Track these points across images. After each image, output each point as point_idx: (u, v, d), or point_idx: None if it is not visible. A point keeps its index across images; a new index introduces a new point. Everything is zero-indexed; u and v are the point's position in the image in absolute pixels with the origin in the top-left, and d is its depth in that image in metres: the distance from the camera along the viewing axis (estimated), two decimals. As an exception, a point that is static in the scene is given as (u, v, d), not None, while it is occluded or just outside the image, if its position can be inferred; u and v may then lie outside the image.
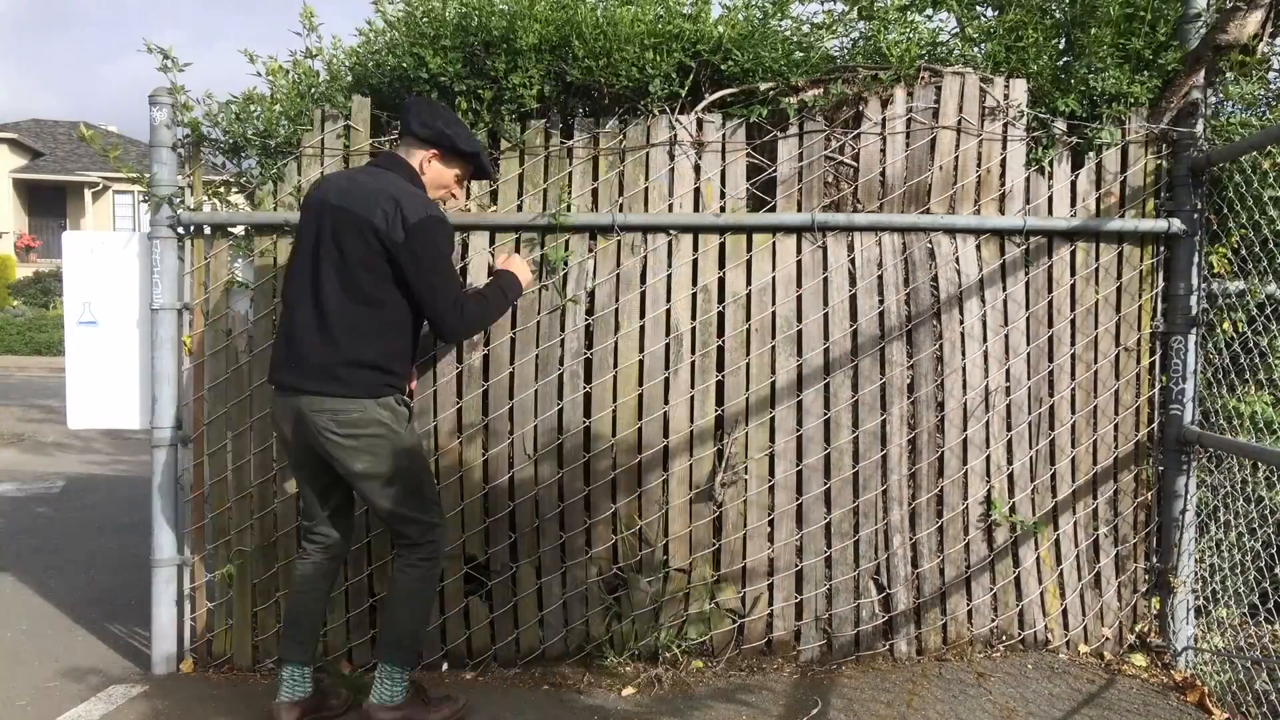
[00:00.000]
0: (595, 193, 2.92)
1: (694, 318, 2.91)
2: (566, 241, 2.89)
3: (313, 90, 3.03)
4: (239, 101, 2.93)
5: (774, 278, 2.91)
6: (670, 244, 2.90)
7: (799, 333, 2.92)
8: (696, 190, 2.92)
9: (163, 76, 2.89)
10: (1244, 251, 2.93)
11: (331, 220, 2.38)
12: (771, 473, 2.93)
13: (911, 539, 2.96)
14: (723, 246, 2.91)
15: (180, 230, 2.92)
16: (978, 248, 2.96)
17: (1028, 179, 2.97)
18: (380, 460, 2.42)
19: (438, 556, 2.54)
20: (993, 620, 3.00)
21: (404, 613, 2.50)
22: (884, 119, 2.91)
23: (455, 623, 2.95)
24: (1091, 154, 2.97)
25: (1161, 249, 2.99)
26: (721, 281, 2.91)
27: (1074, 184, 2.99)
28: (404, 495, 2.46)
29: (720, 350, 2.92)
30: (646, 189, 2.91)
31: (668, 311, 2.91)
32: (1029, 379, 2.98)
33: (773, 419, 2.92)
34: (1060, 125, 2.94)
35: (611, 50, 2.78)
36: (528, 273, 2.68)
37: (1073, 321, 2.99)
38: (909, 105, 2.92)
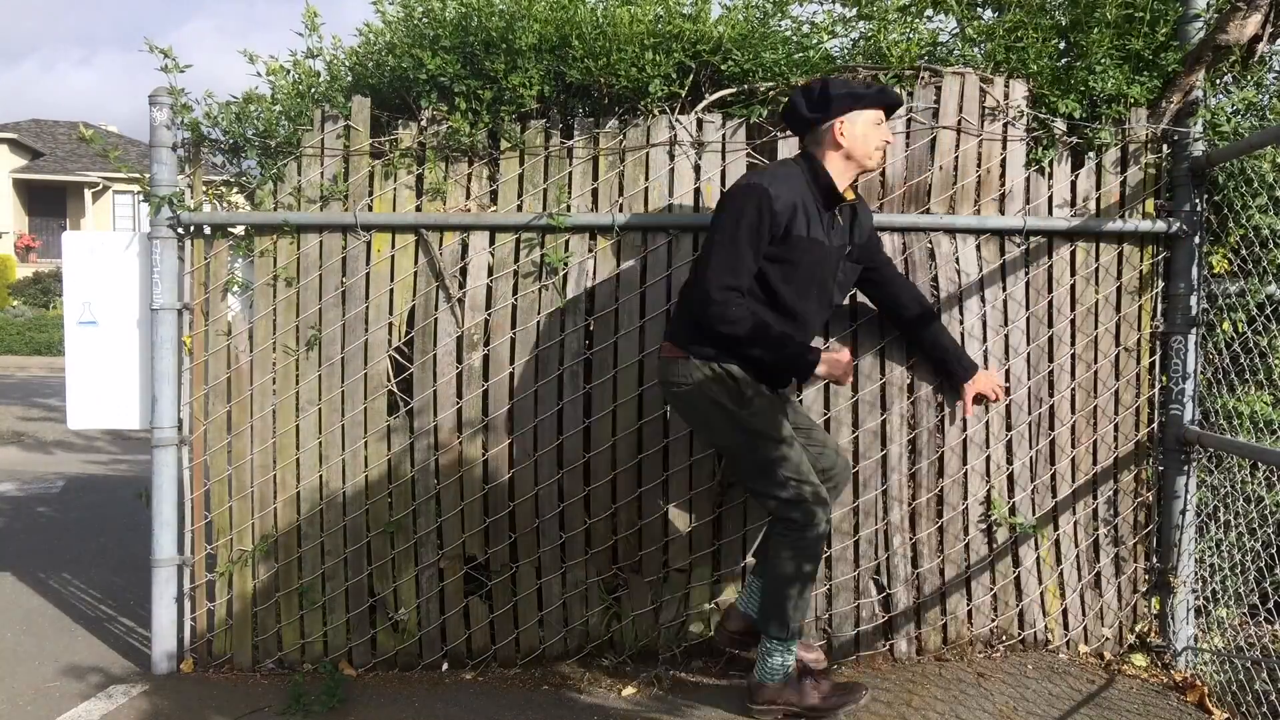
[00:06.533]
0: (595, 193, 2.92)
1: (694, 318, 2.91)
2: (566, 242, 2.89)
3: (313, 90, 3.03)
4: (239, 102, 2.93)
5: (774, 278, 2.91)
6: (670, 244, 2.90)
7: (799, 333, 2.92)
8: (696, 190, 2.92)
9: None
10: (1244, 251, 2.93)
11: None
12: (771, 473, 2.93)
13: (911, 539, 2.96)
14: (723, 246, 2.90)
15: (180, 230, 2.92)
16: (978, 248, 2.96)
17: (1028, 179, 2.97)
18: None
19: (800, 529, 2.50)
20: (993, 620, 3.00)
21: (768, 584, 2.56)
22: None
23: (455, 623, 2.95)
24: (1091, 154, 2.97)
25: (1161, 249, 2.99)
26: (721, 281, 2.91)
27: (1074, 184, 2.99)
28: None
29: (720, 350, 2.92)
30: (646, 189, 2.91)
31: (668, 311, 2.91)
32: (1029, 378, 2.98)
33: (773, 419, 2.92)
34: (1060, 125, 2.94)
35: (611, 50, 2.78)
36: (835, 365, 2.50)
37: (1073, 321, 2.99)
38: (909, 105, 2.92)
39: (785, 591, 2.50)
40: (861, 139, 2.48)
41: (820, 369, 2.47)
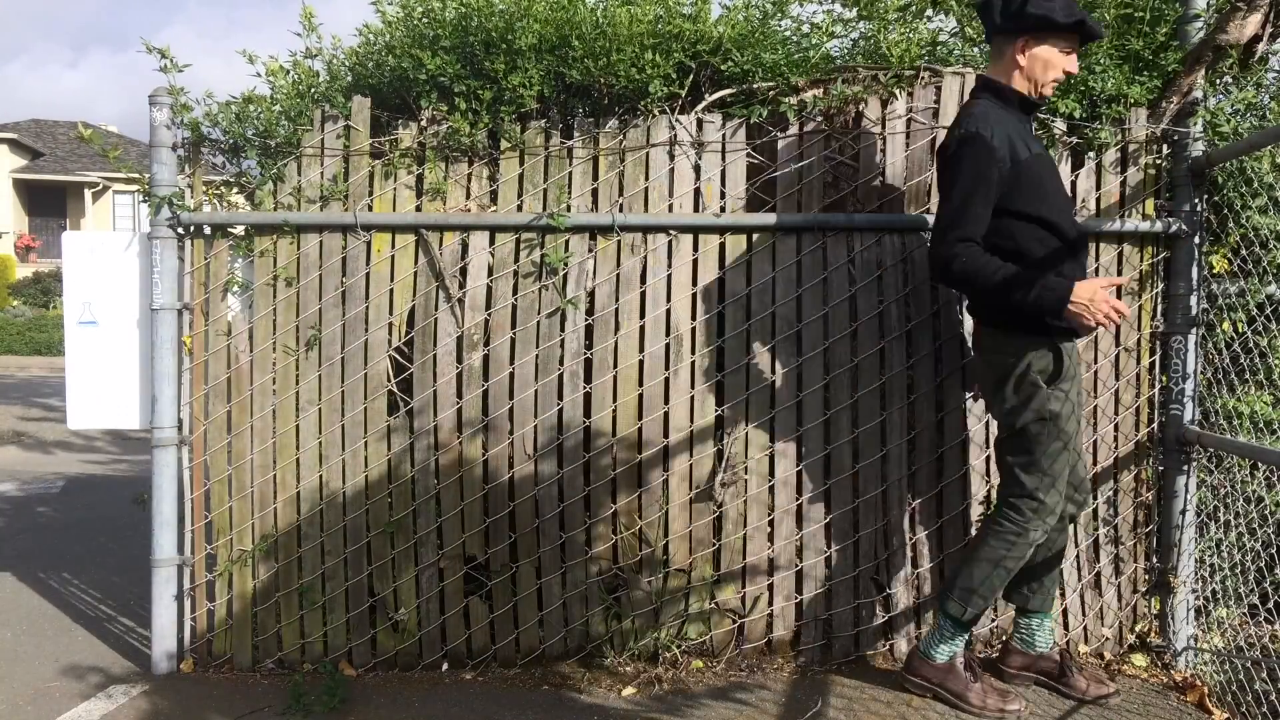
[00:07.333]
0: (595, 193, 2.92)
1: (694, 318, 2.91)
2: (566, 242, 2.89)
3: (312, 90, 3.03)
4: (239, 102, 2.93)
5: (774, 278, 2.91)
6: (670, 244, 2.91)
7: (799, 333, 2.92)
8: (696, 190, 2.92)
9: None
10: (1243, 252, 2.93)
11: None
12: (771, 472, 2.93)
13: (911, 539, 2.96)
14: (723, 246, 2.91)
15: (180, 230, 2.92)
16: (977, 248, 2.95)
17: (1027, 179, 2.97)
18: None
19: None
20: (992, 620, 3.00)
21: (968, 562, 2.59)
22: (884, 119, 2.91)
23: (455, 623, 2.95)
24: (1091, 154, 2.97)
25: (1161, 249, 2.99)
26: (721, 281, 2.91)
27: (1074, 184, 2.98)
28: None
29: (720, 350, 2.92)
30: (646, 189, 2.91)
31: (668, 311, 2.91)
32: (1029, 379, 2.97)
33: (773, 419, 2.92)
34: (1060, 125, 2.94)
35: (611, 51, 2.78)
36: (1095, 292, 2.31)
37: (1072, 321, 2.99)
38: (909, 105, 2.92)
39: (977, 577, 2.54)
40: (1042, 66, 2.48)
41: (1071, 306, 2.32)
